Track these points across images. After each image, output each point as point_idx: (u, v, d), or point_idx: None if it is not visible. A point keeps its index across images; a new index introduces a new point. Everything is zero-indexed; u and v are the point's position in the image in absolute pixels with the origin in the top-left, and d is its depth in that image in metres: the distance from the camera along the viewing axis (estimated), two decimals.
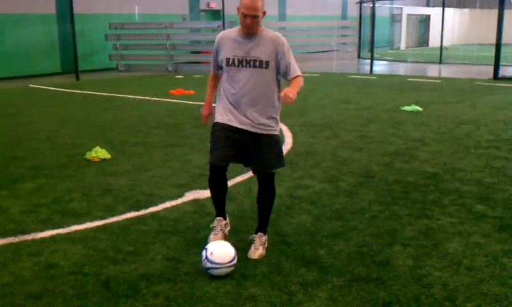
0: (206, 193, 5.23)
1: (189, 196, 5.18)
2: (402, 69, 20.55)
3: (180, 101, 11.78)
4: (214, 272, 3.53)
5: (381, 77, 17.26)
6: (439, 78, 16.97)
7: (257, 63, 3.73)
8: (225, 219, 4.17)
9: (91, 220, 4.56)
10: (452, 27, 30.24)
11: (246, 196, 5.14)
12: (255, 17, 3.66)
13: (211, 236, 4.06)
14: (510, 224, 4.40)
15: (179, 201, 5.05)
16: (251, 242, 3.95)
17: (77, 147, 7.32)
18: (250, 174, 5.84)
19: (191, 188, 5.41)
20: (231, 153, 3.81)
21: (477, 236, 4.15)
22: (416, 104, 10.36)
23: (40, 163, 6.58)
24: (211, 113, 4.16)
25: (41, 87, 15.02)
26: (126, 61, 19.78)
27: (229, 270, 3.57)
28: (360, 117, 9.48)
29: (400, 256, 3.80)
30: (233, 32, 3.86)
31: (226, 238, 4.05)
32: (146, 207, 4.86)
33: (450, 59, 23.05)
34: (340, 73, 17.84)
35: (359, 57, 25.12)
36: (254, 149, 3.81)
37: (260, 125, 3.78)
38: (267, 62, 3.73)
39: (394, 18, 35.18)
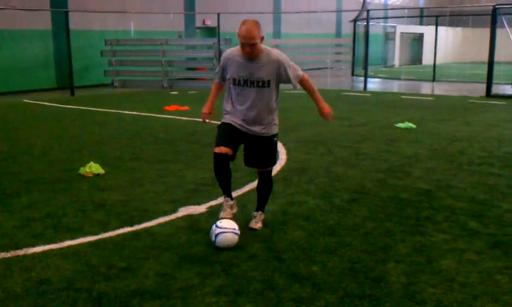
0: (200, 209, 5.24)
1: (183, 211, 5.17)
2: (395, 86, 20.67)
3: (175, 117, 11.80)
4: (222, 236, 4.12)
5: (375, 94, 17.36)
6: (432, 95, 17.08)
7: (260, 83, 4.28)
8: (231, 199, 4.64)
9: (84, 235, 4.54)
10: (445, 45, 30.52)
11: (240, 212, 5.12)
12: (252, 44, 4.11)
13: (221, 213, 4.53)
14: (503, 241, 4.41)
15: (173, 216, 5.04)
16: (252, 217, 4.74)
17: (71, 162, 7.31)
18: (244, 190, 5.86)
19: (184, 204, 5.40)
20: (233, 146, 4.42)
21: (470, 253, 4.16)
22: (410, 121, 10.42)
23: (34, 178, 6.56)
24: (211, 113, 4.73)
25: (36, 102, 15.01)
26: (121, 77, 19.82)
27: (234, 237, 4.16)
28: (353, 134, 9.52)
29: (393, 273, 3.80)
30: (238, 53, 4.30)
31: (233, 218, 4.48)
32: (140, 223, 4.84)
33: (443, 77, 23.21)
34: (334, 90, 17.93)
35: (353, 74, 25.26)
36: (255, 150, 4.52)
37: (263, 132, 4.46)
38: (268, 82, 4.29)
39: (388, 37, 35.47)
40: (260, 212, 4.79)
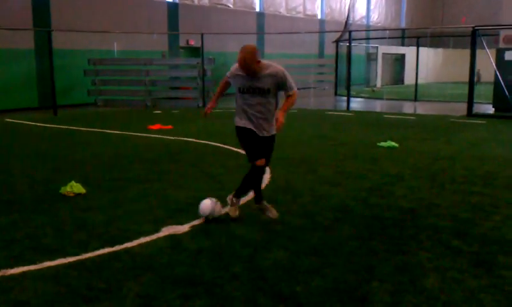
0: (183, 228, 5.19)
1: (165, 231, 5.11)
2: (378, 106, 20.85)
3: (158, 136, 11.74)
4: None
5: (358, 113, 17.48)
6: (414, 115, 17.25)
7: (261, 91, 5.03)
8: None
9: (64, 256, 4.46)
10: (426, 66, 30.92)
11: (224, 232, 5.08)
12: (248, 70, 4.92)
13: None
14: (486, 259, 4.42)
15: (154, 236, 4.97)
16: (265, 209, 5.49)
17: (52, 182, 7.21)
18: (228, 209, 5.82)
19: (167, 223, 5.34)
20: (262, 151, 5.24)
21: (453, 271, 4.16)
22: (392, 140, 10.48)
23: (14, 198, 6.46)
24: (213, 108, 5.54)
25: (18, 121, 14.86)
26: (104, 96, 19.73)
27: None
28: (337, 153, 9.55)
29: (377, 292, 3.78)
30: (240, 69, 5.03)
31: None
32: (121, 243, 4.77)
33: (425, 96, 23.48)
34: (317, 110, 18.03)
35: (336, 94, 25.44)
36: (263, 148, 5.24)
37: (270, 131, 5.22)
38: (268, 89, 5.04)
39: (370, 57, 35.86)
40: (263, 200, 5.57)
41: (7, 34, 16.99)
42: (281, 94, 5.26)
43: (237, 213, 5.49)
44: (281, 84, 5.07)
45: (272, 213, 5.49)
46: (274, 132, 5.27)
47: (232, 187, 6.76)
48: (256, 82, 5.00)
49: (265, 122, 5.16)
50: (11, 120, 15.10)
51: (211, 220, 5.34)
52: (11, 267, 4.22)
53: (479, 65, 16.18)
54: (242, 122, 5.19)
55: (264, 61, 5.06)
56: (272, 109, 5.16)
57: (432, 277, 4.04)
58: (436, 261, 4.37)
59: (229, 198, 5.56)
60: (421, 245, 4.74)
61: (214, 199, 5.43)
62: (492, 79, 16.96)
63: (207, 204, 5.37)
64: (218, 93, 5.59)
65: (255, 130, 5.15)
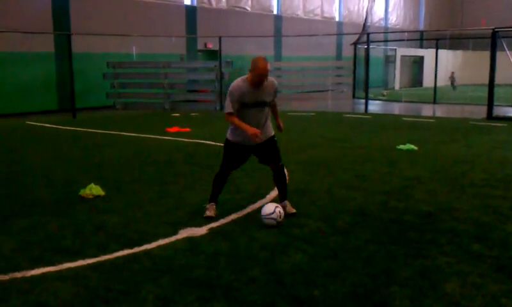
0: (200, 231, 5.20)
1: (183, 233, 5.12)
2: (396, 109, 20.70)
3: (176, 138, 11.79)
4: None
5: (376, 116, 17.37)
6: (433, 117, 17.09)
7: (263, 104, 5.46)
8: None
9: (83, 258, 4.49)
10: (445, 68, 30.65)
11: (241, 234, 5.08)
12: (266, 76, 5.29)
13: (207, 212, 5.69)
14: (507, 264, 4.35)
15: (173, 238, 4.99)
16: (284, 207, 5.61)
17: (71, 184, 7.27)
18: (245, 212, 5.83)
19: (185, 226, 5.35)
20: (240, 163, 5.73)
21: (474, 276, 4.10)
22: (411, 143, 10.39)
23: (34, 200, 6.53)
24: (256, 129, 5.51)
25: (37, 124, 15.04)
26: (123, 99, 19.88)
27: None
28: (355, 156, 9.49)
29: (397, 297, 3.74)
30: (244, 85, 5.34)
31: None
32: (139, 245, 4.79)
33: (444, 99, 23.26)
34: (335, 113, 17.96)
35: (354, 96, 25.31)
36: (266, 151, 5.62)
37: (267, 134, 5.56)
38: (269, 102, 5.52)
39: (388, 59, 35.62)
40: (286, 201, 5.75)
41: (27, 37, 17.23)
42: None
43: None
44: (274, 95, 5.55)
45: (291, 209, 5.78)
46: (272, 133, 5.68)
47: (249, 189, 6.77)
48: (260, 95, 5.39)
49: (265, 127, 5.55)
50: (31, 123, 15.29)
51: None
52: (31, 268, 4.26)
53: (499, 67, 15.95)
54: (237, 136, 5.52)
55: None
56: (269, 117, 5.64)
57: (453, 282, 3.99)
58: (456, 265, 4.32)
59: (286, 204, 5.77)
60: (441, 250, 4.68)
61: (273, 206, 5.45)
62: None
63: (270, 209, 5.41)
64: (239, 121, 5.45)
65: (248, 143, 5.49)
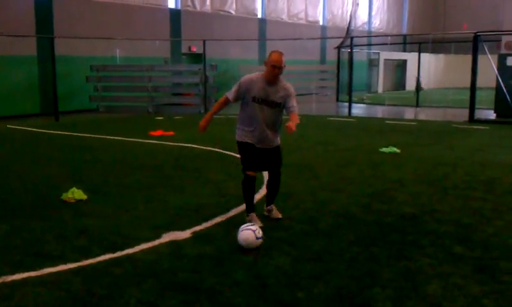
0: (184, 234, 5.17)
1: (166, 237, 5.10)
2: (379, 112, 20.84)
3: (160, 142, 11.74)
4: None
5: (360, 119, 17.47)
6: (416, 120, 17.23)
7: (273, 104, 5.28)
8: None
9: (65, 262, 4.45)
10: (428, 71, 30.91)
11: (225, 237, 5.07)
12: (280, 68, 5.17)
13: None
14: (489, 264, 4.40)
15: (156, 242, 4.96)
16: (268, 211, 5.67)
17: (53, 188, 7.20)
18: (229, 215, 5.82)
19: (168, 229, 5.32)
20: (258, 162, 5.42)
21: (456, 277, 4.14)
22: (394, 146, 10.46)
23: (15, 204, 6.45)
24: (207, 126, 5.49)
25: (19, 127, 14.87)
26: (106, 102, 19.74)
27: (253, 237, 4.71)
28: (338, 158, 9.53)
29: (379, 298, 3.76)
30: (259, 78, 5.28)
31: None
32: (122, 249, 4.76)
33: (427, 102, 23.46)
34: (319, 116, 18.02)
35: (337, 100, 25.43)
36: (270, 158, 5.46)
37: (273, 143, 5.42)
38: (279, 104, 5.30)
39: (372, 63, 35.85)
40: (273, 205, 5.71)
41: (10, 40, 17.04)
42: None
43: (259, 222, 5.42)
44: (286, 101, 5.28)
45: (277, 214, 5.71)
46: (279, 142, 5.52)
47: (233, 192, 6.76)
48: (271, 94, 5.24)
49: (272, 133, 5.39)
50: (13, 126, 15.12)
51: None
52: (12, 274, 4.21)
53: (480, 71, 16.14)
54: (244, 136, 5.39)
55: (281, 77, 5.36)
56: (278, 124, 5.44)
57: (435, 283, 4.02)
58: (438, 267, 4.36)
59: (271, 209, 5.75)
60: (423, 251, 4.72)
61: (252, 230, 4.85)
62: (493, 85, 16.93)
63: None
64: (214, 112, 5.57)
65: (257, 143, 5.35)
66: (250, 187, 5.43)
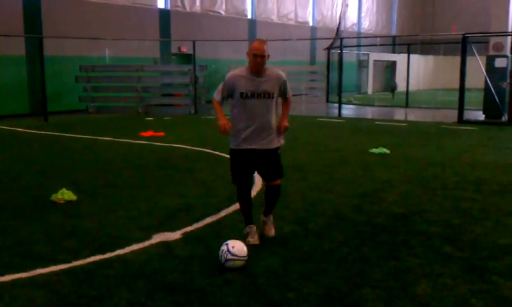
0: (174, 235, 5.17)
1: (157, 238, 5.09)
2: (369, 113, 20.92)
3: (150, 142, 11.71)
4: (230, 263, 4.25)
5: (349, 120, 17.53)
6: (405, 121, 17.32)
7: (266, 95, 4.83)
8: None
9: (55, 263, 4.43)
10: (417, 72, 31.10)
11: (215, 238, 5.07)
12: (263, 57, 4.75)
13: (249, 239, 4.88)
14: (477, 265, 4.43)
15: (146, 243, 4.95)
16: (263, 223, 5.13)
17: (42, 189, 7.16)
18: (220, 216, 5.82)
19: (158, 230, 5.32)
20: (251, 176, 5.00)
21: (445, 277, 4.17)
22: (384, 147, 10.51)
23: (4, 204, 6.41)
24: (227, 123, 4.90)
25: (8, 128, 14.77)
26: (96, 102, 19.66)
27: (243, 263, 4.29)
28: (328, 159, 9.56)
29: (369, 298, 3.78)
30: (243, 71, 4.87)
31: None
32: (112, 250, 4.74)
33: (416, 103, 23.59)
34: (309, 117, 18.06)
35: (327, 101, 25.50)
36: (264, 164, 4.94)
37: (272, 143, 4.93)
38: (272, 94, 4.86)
39: (361, 64, 35.99)
40: (269, 215, 5.17)
41: None
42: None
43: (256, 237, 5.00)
44: (282, 89, 4.96)
45: (271, 231, 5.16)
46: (277, 145, 4.99)
47: (224, 193, 6.76)
48: (261, 84, 4.80)
49: (267, 131, 4.88)
50: (1, 127, 15.01)
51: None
52: (2, 275, 4.18)
53: (469, 72, 16.26)
54: (238, 142, 4.87)
55: (268, 66, 4.92)
56: (274, 118, 4.94)
57: (424, 283, 4.04)
58: (427, 267, 4.38)
59: (266, 221, 5.18)
60: (412, 251, 4.75)
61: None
62: (482, 86, 17.06)
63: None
64: (220, 109, 4.98)
65: (253, 144, 4.84)
66: (247, 198, 5.00)
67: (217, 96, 4.96)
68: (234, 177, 4.99)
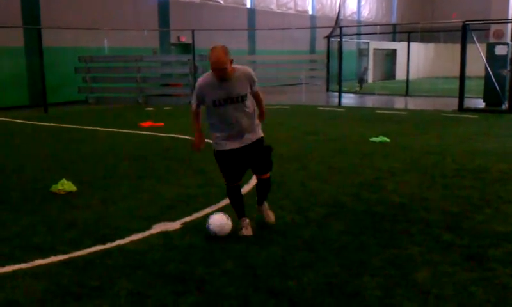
0: (174, 225, 5.17)
1: (157, 228, 5.10)
2: (369, 101, 20.89)
3: (150, 133, 11.71)
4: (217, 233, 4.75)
5: (349, 109, 17.50)
6: (406, 110, 17.29)
7: (239, 98, 4.64)
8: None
9: (55, 254, 4.44)
10: (417, 61, 31.01)
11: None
12: (223, 69, 4.49)
13: (243, 231, 4.92)
14: (477, 252, 4.44)
15: (146, 233, 4.96)
16: (260, 211, 5.22)
17: (42, 180, 7.17)
18: (219, 205, 5.82)
19: (158, 220, 5.32)
20: (241, 175, 4.98)
21: (445, 265, 4.17)
22: (384, 135, 10.50)
23: (4, 196, 6.42)
24: (203, 142, 4.97)
25: (7, 119, 14.76)
26: (95, 93, 19.63)
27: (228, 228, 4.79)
28: (328, 148, 9.55)
29: (369, 287, 3.79)
30: (211, 79, 4.64)
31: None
32: (112, 240, 4.75)
33: (416, 91, 23.54)
34: (309, 106, 18.03)
35: (327, 90, 25.46)
36: (251, 158, 4.88)
37: (254, 136, 4.84)
38: (245, 95, 4.67)
39: (361, 53, 35.87)
40: (264, 203, 5.23)
41: None
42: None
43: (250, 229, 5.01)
44: (252, 84, 4.75)
45: (270, 217, 5.23)
46: (259, 136, 4.91)
47: (223, 183, 6.74)
48: (231, 89, 4.59)
49: (248, 129, 4.77)
50: (1, 118, 15.00)
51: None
52: (2, 266, 4.20)
53: (469, 60, 16.20)
54: (220, 144, 4.79)
55: (235, 65, 4.69)
56: (250, 114, 4.79)
57: (424, 271, 4.05)
58: (427, 255, 4.39)
59: (263, 209, 5.25)
60: (412, 239, 4.75)
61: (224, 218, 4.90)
62: (482, 74, 17.01)
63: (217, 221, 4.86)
64: (197, 125, 4.95)
65: (236, 144, 4.76)
66: (235, 195, 5.01)
67: (193, 103, 4.83)
68: (226, 179, 4.96)
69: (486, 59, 16.37)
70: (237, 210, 5.04)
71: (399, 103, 20.16)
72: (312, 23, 32.95)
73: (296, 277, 3.95)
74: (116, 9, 21.15)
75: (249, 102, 4.76)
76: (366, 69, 24.08)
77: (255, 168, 5.02)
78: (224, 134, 4.75)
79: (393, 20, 43.18)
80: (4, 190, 6.74)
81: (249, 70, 4.78)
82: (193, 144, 4.99)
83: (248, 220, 5.00)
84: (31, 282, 3.90)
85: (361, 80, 24.48)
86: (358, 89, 24.26)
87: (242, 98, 4.65)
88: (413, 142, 10.10)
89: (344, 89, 21.68)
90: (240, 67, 4.73)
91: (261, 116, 4.95)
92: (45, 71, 16.75)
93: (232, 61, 4.57)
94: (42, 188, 6.69)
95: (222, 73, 4.52)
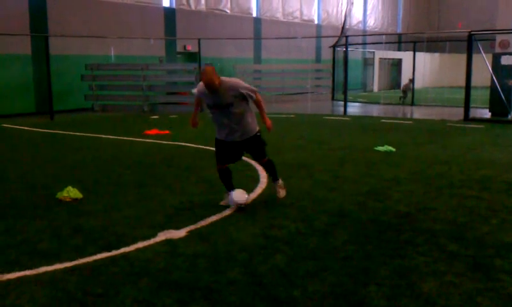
0: (179, 233, 5.18)
1: (162, 236, 5.10)
2: (375, 111, 20.88)
3: (155, 141, 11.73)
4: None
5: (355, 118, 17.50)
6: (411, 119, 17.27)
7: (226, 105, 5.73)
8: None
9: (61, 261, 4.45)
10: (423, 70, 31.01)
11: (220, 236, 5.08)
12: (212, 85, 5.59)
13: (222, 202, 6.17)
14: (483, 262, 4.42)
15: (151, 241, 4.96)
16: (274, 187, 6.44)
17: (48, 187, 7.19)
18: (224, 214, 5.82)
19: (164, 228, 5.33)
20: (230, 158, 6.10)
21: (450, 275, 4.15)
22: (389, 145, 10.48)
23: (10, 202, 6.44)
24: (197, 122, 6.36)
25: (14, 127, 14.83)
26: (101, 101, 19.70)
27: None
28: (334, 157, 9.55)
29: (374, 296, 3.77)
30: (203, 88, 5.72)
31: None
32: (118, 248, 4.76)
33: (422, 101, 23.51)
34: (314, 115, 18.04)
35: (333, 99, 25.47)
36: (247, 149, 6.11)
37: (249, 133, 5.97)
38: (231, 103, 5.72)
39: (367, 62, 35.90)
40: (276, 181, 6.42)
41: (4, 39, 16.99)
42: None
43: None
44: (242, 96, 5.74)
45: (279, 193, 6.40)
46: (253, 132, 5.98)
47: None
48: (218, 99, 5.68)
49: (239, 127, 5.86)
50: (8, 125, 15.08)
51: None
52: (8, 272, 4.20)
53: (475, 70, 16.19)
54: (218, 134, 6.02)
55: (222, 78, 5.72)
56: (242, 116, 5.84)
57: (430, 281, 4.03)
58: (433, 265, 4.37)
59: (276, 186, 6.45)
60: (418, 249, 4.74)
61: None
62: (488, 84, 16.98)
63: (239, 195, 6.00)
64: (195, 109, 6.35)
65: (228, 138, 5.92)
66: (224, 175, 6.13)
67: (194, 92, 6.05)
68: (217, 160, 6.10)
69: (492, 69, 16.35)
70: (225, 184, 6.16)
71: (405, 112, 20.13)
72: (318, 32, 33.01)
73: (301, 286, 3.94)
74: (122, 18, 21.28)
75: (241, 106, 5.78)
76: (411, 81, 23.89)
77: (253, 156, 6.28)
78: (218, 129, 5.99)
79: (399, 30, 43.19)
80: (10, 197, 6.76)
81: (237, 83, 5.80)
82: (190, 122, 6.38)
83: (227, 194, 6.10)
84: (36, 289, 3.90)
85: (405, 92, 24.35)
86: (401, 100, 24.09)
87: (227, 105, 5.72)
88: (418, 152, 10.08)
89: (350, 98, 21.68)
90: (228, 80, 5.76)
91: (264, 122, 5.99)
92: (52, 78, 16.84)
93: (218, 78, 5.64)
94: (48, 195, 6.71)
95: (212, 88, 5.62)
